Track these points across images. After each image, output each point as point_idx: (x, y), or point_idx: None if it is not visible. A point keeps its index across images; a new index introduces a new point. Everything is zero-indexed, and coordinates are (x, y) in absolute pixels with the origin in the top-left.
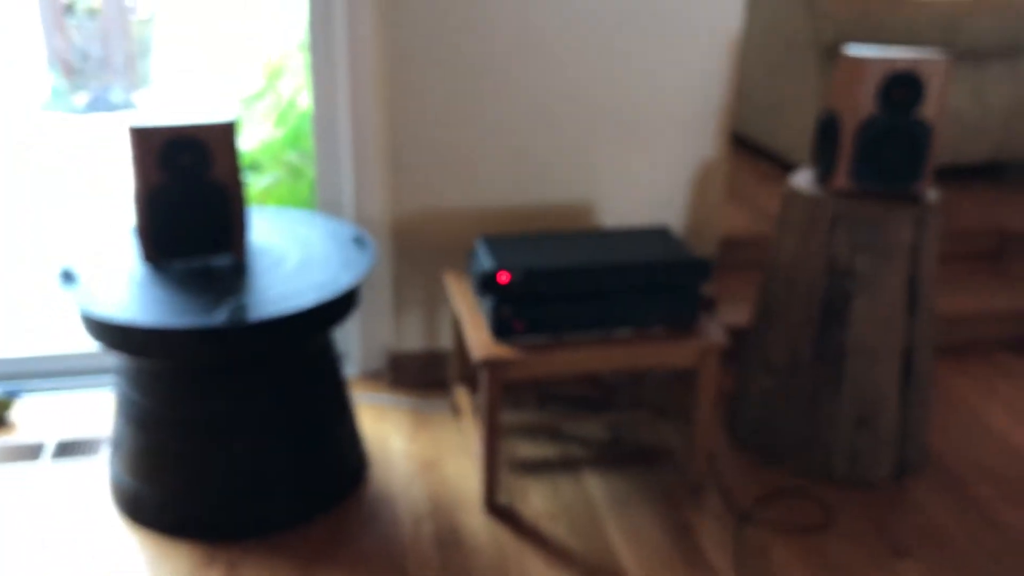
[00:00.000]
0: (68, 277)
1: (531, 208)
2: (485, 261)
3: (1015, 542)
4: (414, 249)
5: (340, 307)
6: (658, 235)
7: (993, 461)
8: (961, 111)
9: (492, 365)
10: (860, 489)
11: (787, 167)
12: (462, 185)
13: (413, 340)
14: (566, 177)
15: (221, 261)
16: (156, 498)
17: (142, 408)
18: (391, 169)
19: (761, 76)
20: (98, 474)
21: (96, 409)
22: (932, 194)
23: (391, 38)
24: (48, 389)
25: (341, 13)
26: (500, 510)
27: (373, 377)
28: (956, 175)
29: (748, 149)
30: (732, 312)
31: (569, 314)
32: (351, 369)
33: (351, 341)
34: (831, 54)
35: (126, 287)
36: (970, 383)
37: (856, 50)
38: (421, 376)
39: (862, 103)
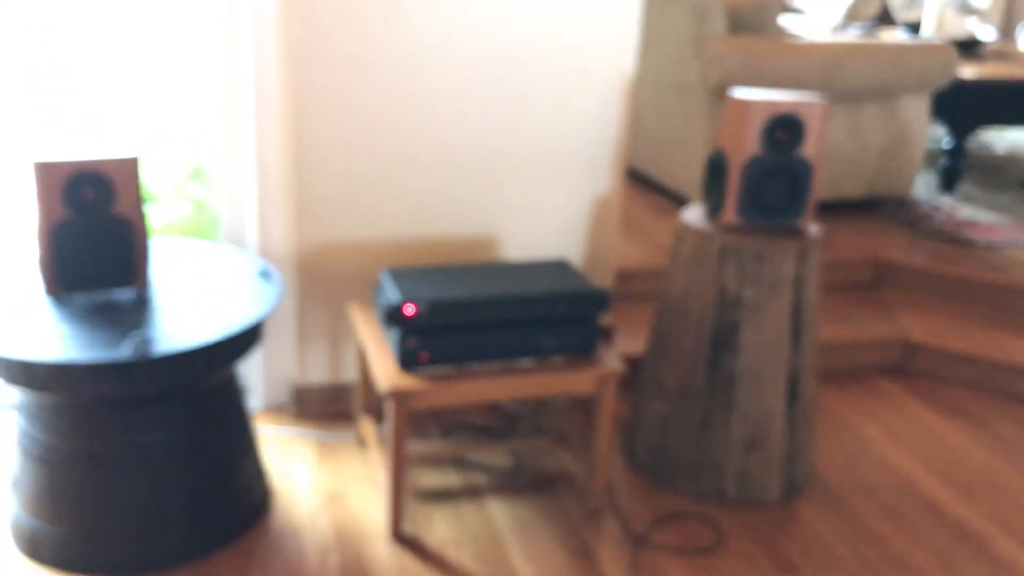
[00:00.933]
0: None
1: (434, 241)
2: (391, 294)
3: (893, 556)
4: (318, 281)
5: (245, 341)
6: (557, 267)
7: (873, 480)
8: (840, 149)
9: (399, 396)
10: (750, 509)
11: (680, 201)
12: (366, 218)
13: (317, 372)
14: (468, 211)
15: (125, 295)
16: (56, 536)
17: (41, 444)
18: (295, 202)
19: (654, 115)
20: None
21: None
22: (813, 229)
23: (296, 75)
24: None
25: (246, 50)
26: (406, 539)
27: (277, 410)
28: (836, 209)
29: (643, 184)
30: (628, 341)
31: (473, 345)
32: (255, 402)
33: (254, 374)
34: (718, 95)
35: (28, 322)
36: (850, 407)
37: (742, 93)
38: (325, 408)
39: (747, 143)
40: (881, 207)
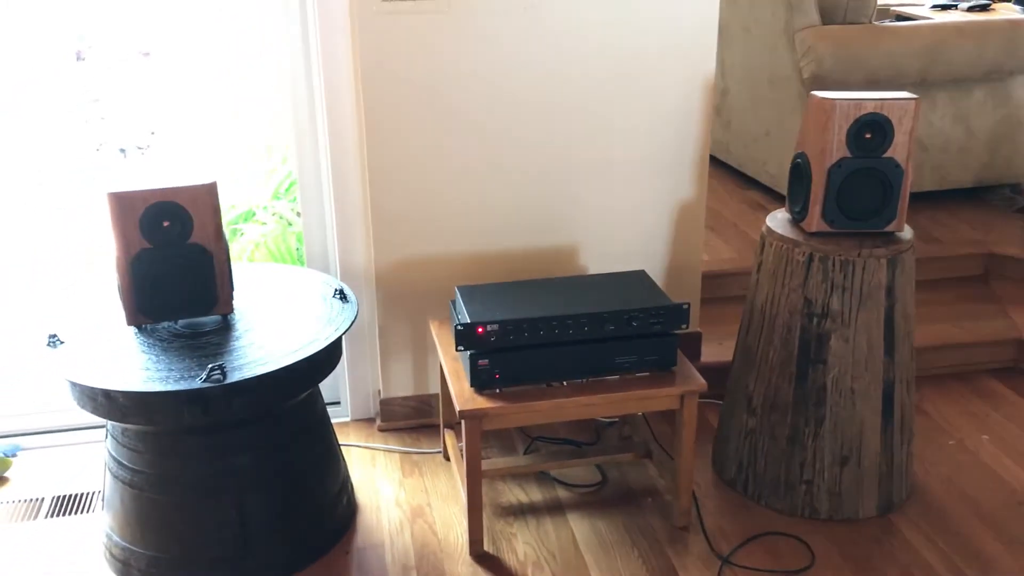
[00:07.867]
0: (53, 341)
1: (514, 253)
2: (461, 314)
3: None
4: (398, 297)
5: (320, 364)
6: (635, 280)
7: (979, 492)
8: (946, 136)
9: (471, 417)
10: (845, 527)
11: (777, 197)
12: (443, 233)
13: (402, 385)
14: (548, 222)
15: (207, 320)
16: (145, 557)
17: (127, 469)
18: (373, 221)
19: (747, 109)
20: (92, 532)
21: (93, 465)
22: (906, 233)
23: (366, 91)
24: (46, 445)
25: (318, 73)
26: (486, 558)
27: (364, 422)
28: (942, 198)
29: (738, 179)
30: (720, 348)
31: (547, 363)
32: (342, 415)
33: (341, 387)
34: (813, 88)
35: (109, 352)
36: (957, 412)
37: (824, 93)
38: (412, 419)
39: (831, 146)
40: (993, 194)
